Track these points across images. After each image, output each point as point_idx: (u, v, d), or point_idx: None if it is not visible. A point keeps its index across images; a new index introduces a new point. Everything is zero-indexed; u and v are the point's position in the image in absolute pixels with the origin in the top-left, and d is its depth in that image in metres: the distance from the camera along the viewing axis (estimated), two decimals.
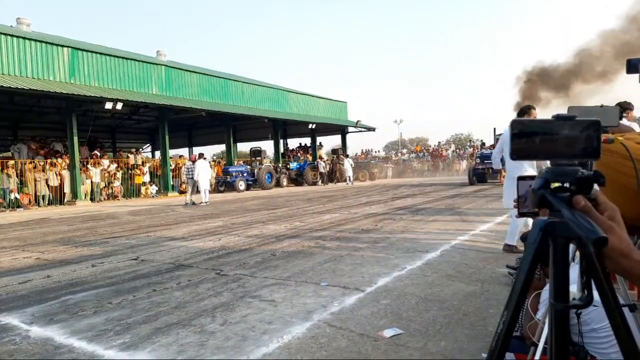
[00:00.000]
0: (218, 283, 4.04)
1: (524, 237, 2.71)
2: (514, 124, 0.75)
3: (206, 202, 14.11)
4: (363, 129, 32.99)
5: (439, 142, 37.40)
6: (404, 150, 40.24)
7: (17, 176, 16.18)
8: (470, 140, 36.33)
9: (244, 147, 36.94)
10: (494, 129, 21.37)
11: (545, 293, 1.88)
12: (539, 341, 1.59)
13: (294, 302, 3.38)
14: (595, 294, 0.74)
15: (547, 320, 1.57)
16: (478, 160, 18.93)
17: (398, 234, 6.47)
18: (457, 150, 34.65)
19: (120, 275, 4.51)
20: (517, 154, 0.76)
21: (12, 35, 15.54)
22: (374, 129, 33.77)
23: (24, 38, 15.94)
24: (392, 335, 2.67)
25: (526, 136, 0.75)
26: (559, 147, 0.74)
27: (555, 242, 0.75)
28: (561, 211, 0.71)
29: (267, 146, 29.44)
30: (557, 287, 0.75)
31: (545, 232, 0.75)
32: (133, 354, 2.56)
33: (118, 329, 2.96)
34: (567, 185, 0.74)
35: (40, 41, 16.47)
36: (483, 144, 28.40)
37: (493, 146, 20.78)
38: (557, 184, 0.75)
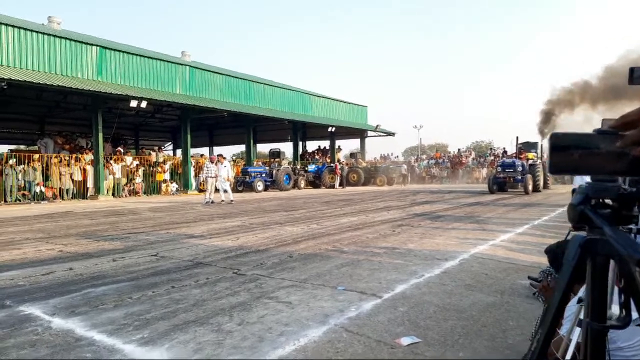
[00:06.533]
0: (236, 282, 4.07)
1: (548, 250, 2.64)
2: (553, 137, 0.74)
3: (231, 200, 14.42)
4: (382, 134, 32.85)
5: (459, 149, 36.95)
6: (424, 156, 39.88)
7: (42, 170, 16.63)
8: (491, 149, 35.71)
9: (263, 148, 37.25)
10: (517, 137, 21.02)
11: (571, 308, 1.83)
12: (564, 358, 1.54)
13: (311, 305, 3.37)
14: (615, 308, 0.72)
15: (573, 337, 1.53)
16: (499, 169, 18.59)
17: (416, 240, 6.41)
18: (478, 158, 34.15)
19: (140, 271, 4.58)
20: (557, 167, 0.74)
21: (43, 33, 16.01)
22: (393, 134, 33.60)
23: (54, 36, 16.40)
24: (409, 344, 2.64)
25: (566, 150, 0.73)
26: (600, 163, 0.72)
27: (595, 260, 0.73)
28: (602, 228, 0.69)
29: (286, 148, 29.63)
30: (594, 307, 0.73)
31: (584, 249, 0.73)
32: (151, 349, 2.59)
33: (137, 323, 3.00)
34: (608, 201, 0.72)
35: (70, 39, 16.92)
36: (505, 152, 27.92)
37: (515, 155, 20.44)
38: (597, 200, 0.73)
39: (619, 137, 0.71)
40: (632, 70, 1.44)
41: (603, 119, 1.65)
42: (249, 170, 22.53)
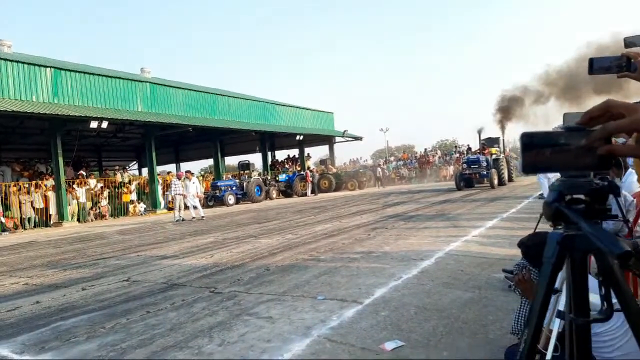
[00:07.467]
0: (213, 301, 3.97)
1: (520, 243, 2.70)
2: (524, 137, 0.75)
3: (202, 217, 14.23)
4: (350, 139, 33.14)
5: (425, 149, 37.71)
6: (392, 158, 40.45)
7: (1, 199, 15.86)
8: (456, 146, 36.58)
9: (232, 160, 36.84)
10: (479, 133, 21.62)
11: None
12: (546, 350, 1.57)
13: (292, 318, 3.33)
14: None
15: (554, 329, 1.56)
16: (465, 166, 19.07)
17: (391, 242, 6.46)
18: (444, 156, 34.91)
19: (112, 298, 4.41)
20: (530, 166, 0.75)
21: None
22: (360, 138, 33.95)
23: (5, 60, 15.75)
24: (393, 348, 2.64)
25: (537, 148, 0.74)
26: (571, 159, 0.73)
27: (573, 256, 0.73)
28: (579, 224, 0.69)
29: (256, 159, 29.42)
30: (576, 302, 0.73)
31: (562, 246, 0.73)
32: None
33: (112, 354, 2.88)
34: (581, 197, 0.73)
35: (22, 62, 16.29)
36: (469, 149, 28.68)
37: (479, 151, 21.01)
38: (571, 196, 0.74)
39: (586, 132, 0.72)
40: (591, 60, 1.50)
41: (565, 114, 1.70)
42: (218, 184, 22.20)
